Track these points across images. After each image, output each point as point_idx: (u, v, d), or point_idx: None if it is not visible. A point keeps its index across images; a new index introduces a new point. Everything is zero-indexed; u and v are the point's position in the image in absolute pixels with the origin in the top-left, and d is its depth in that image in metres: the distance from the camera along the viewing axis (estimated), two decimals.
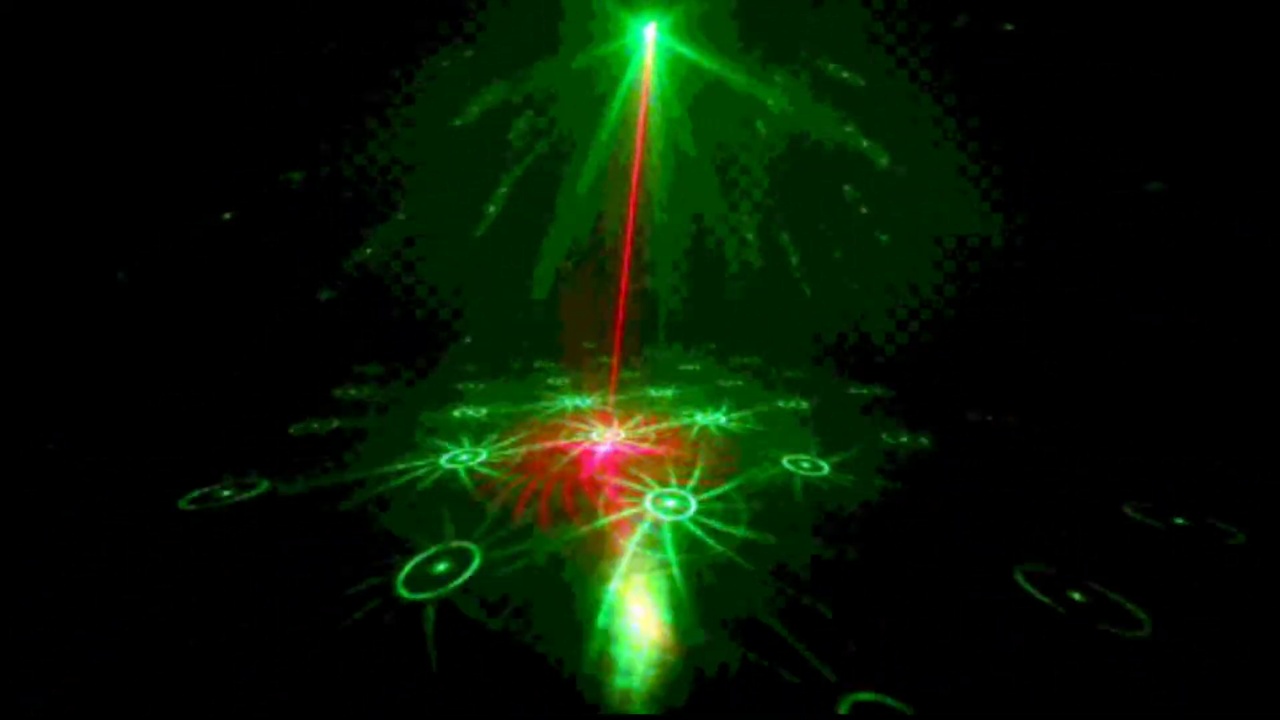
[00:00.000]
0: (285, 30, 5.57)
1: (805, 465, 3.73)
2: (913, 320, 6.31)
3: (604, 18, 6.35)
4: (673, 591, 2.41)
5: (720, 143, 7.37)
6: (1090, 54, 4.87)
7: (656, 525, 2.94)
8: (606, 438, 4.21)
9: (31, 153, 4.70)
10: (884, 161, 6.25)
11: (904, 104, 6.00)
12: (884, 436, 4.28)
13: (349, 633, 2.15)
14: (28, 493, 3.21)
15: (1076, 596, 2.40)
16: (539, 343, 7.31)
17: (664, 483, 3.45)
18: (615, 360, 6.48)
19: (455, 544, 2.75)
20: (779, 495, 3.29)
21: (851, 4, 6.02)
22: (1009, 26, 5.25)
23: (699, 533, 2.87)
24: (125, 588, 2.40)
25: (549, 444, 4.09)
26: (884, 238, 6.51)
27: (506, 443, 4.10)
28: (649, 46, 6.68)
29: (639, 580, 2.49)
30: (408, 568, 2.55)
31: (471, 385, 5.59)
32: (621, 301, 7.25)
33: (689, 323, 7.94)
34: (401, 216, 6.69)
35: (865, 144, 6.36)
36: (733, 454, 3.92)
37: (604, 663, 2.02)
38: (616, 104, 7.01)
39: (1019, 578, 2.52)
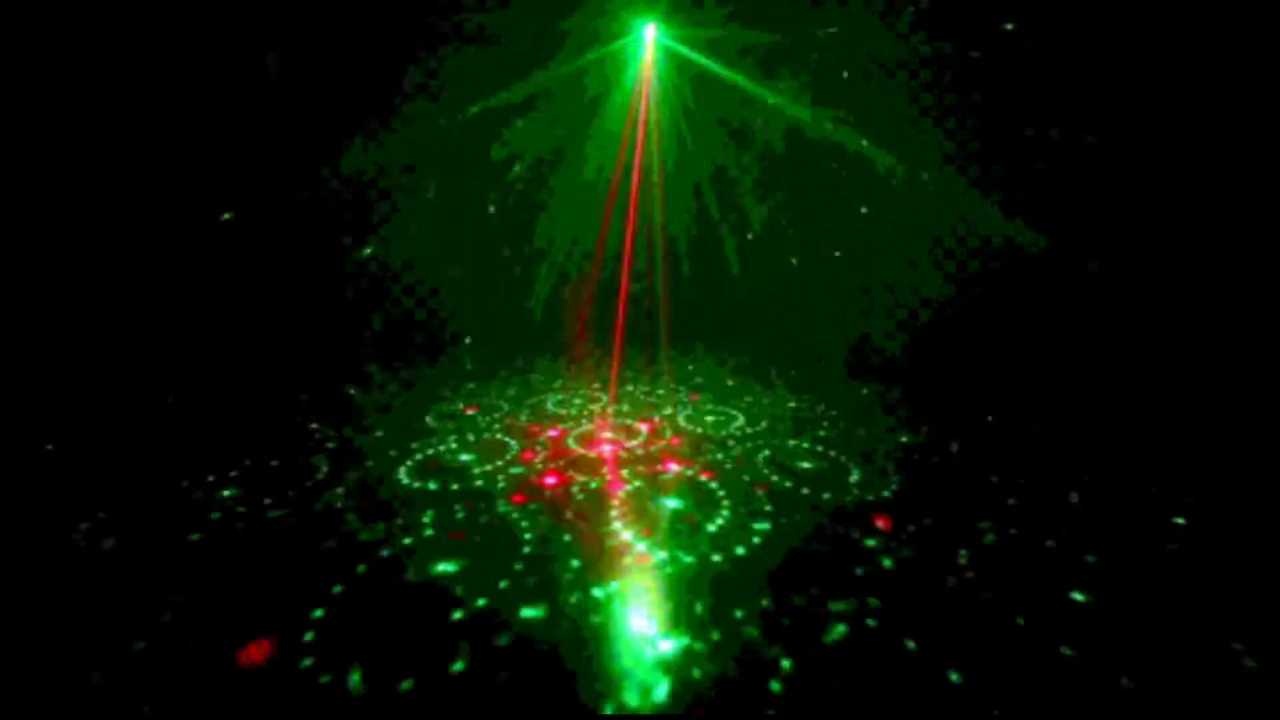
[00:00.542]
0: (285, 30, 5.57)
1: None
2: (913, 320, 6.31)
3: (604, 18, 6.35)
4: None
5: (720, 143, 7.37)
6: (1090, 54, 4.87)
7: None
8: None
9: (32, 153, 4.70)
10: (884, 161, 6.25)
11: (903, 104, 6.00)
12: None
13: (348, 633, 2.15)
14: (28, 493, 3.21)
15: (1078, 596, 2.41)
16: (538, 343, 7.31)
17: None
18: (615, 364, 6.47)
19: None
20: None
21: (852, 4, 6.02)
22: (1009, 26, 5.25)
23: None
24: (124, 588, 2.40)
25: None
26: (883, 238, 6.51)
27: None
28: (649, 46, 6.68)
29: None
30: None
31: (472, 385, 5.60)
32: (622, 303, 7.24)
33: (689, 324, 7.94)
34: (400, 216, 6.69)
35: (865, 144, 6.36)
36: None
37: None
38: (617, 104, 7.01)
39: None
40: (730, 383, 5.84)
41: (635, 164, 7.21)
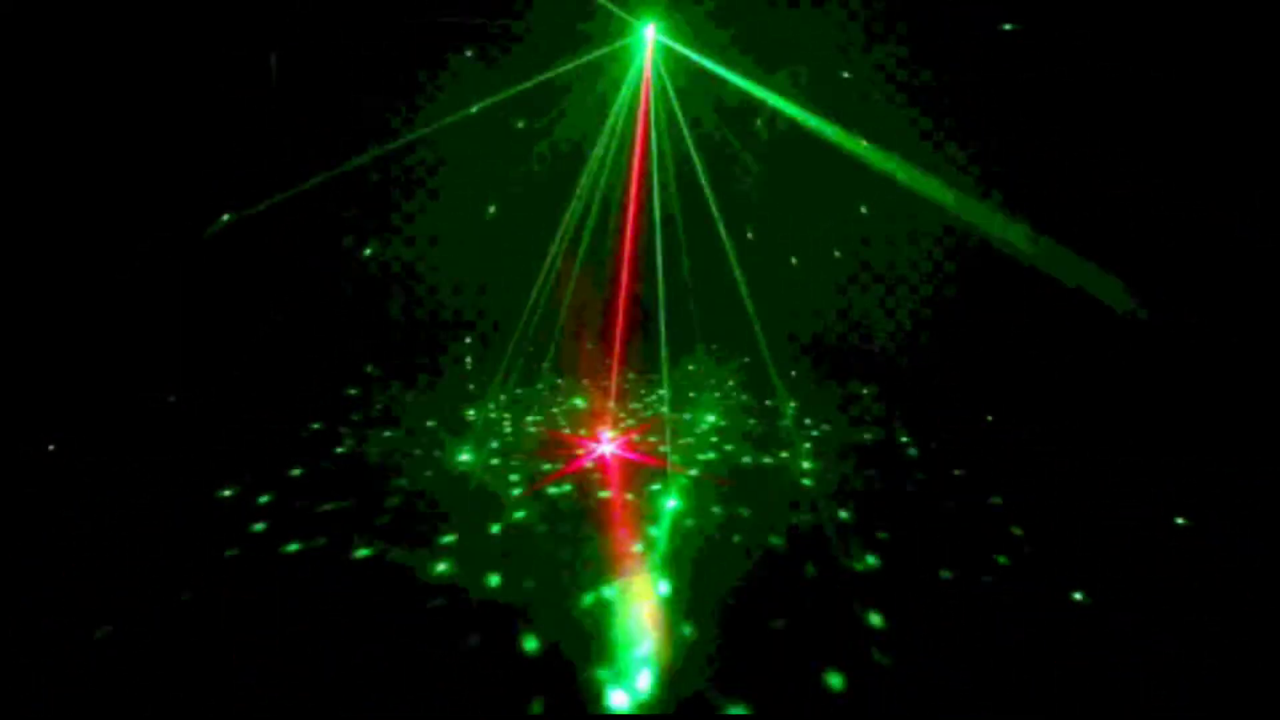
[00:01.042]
0: (285, 29, 5.57)
1: None
2: (911, 320, 6.31)
3: (604, 18, 6.35)
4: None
5: (720, 142, 7.37)
6: (1089, 54, 4.87)
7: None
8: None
9: (32, 153, 4.70)
10: (884, 160, 6.24)
11: (904, 103, 6.00)
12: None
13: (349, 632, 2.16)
14: (28, 493, 3.21)
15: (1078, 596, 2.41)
16: (540, 343, 7.30)
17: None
18: (615, 366, 6.46)
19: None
20: None
21: (853, 3, 6.01)
22: (1009, 26, 5.25)
23: None
24: (124, 587, 2.40)
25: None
26: (883, 237, 6.51)
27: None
28: (649, 46, 6.67)
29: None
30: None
31: (471, 386, 5.60)
32: (622, 304, 7.23)
33: (687, 324, 7.93)
34: (400, 216, 6.68)
35: (864, 144, 6.35)
36: None
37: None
38: (616, 104, 7.01)
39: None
40: (731, 382, 5.86)
41: (635, 164, 7.21)
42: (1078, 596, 2.40)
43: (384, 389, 5.33)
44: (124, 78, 4.95)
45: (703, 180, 7.32)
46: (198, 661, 2.01)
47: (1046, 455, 3.91)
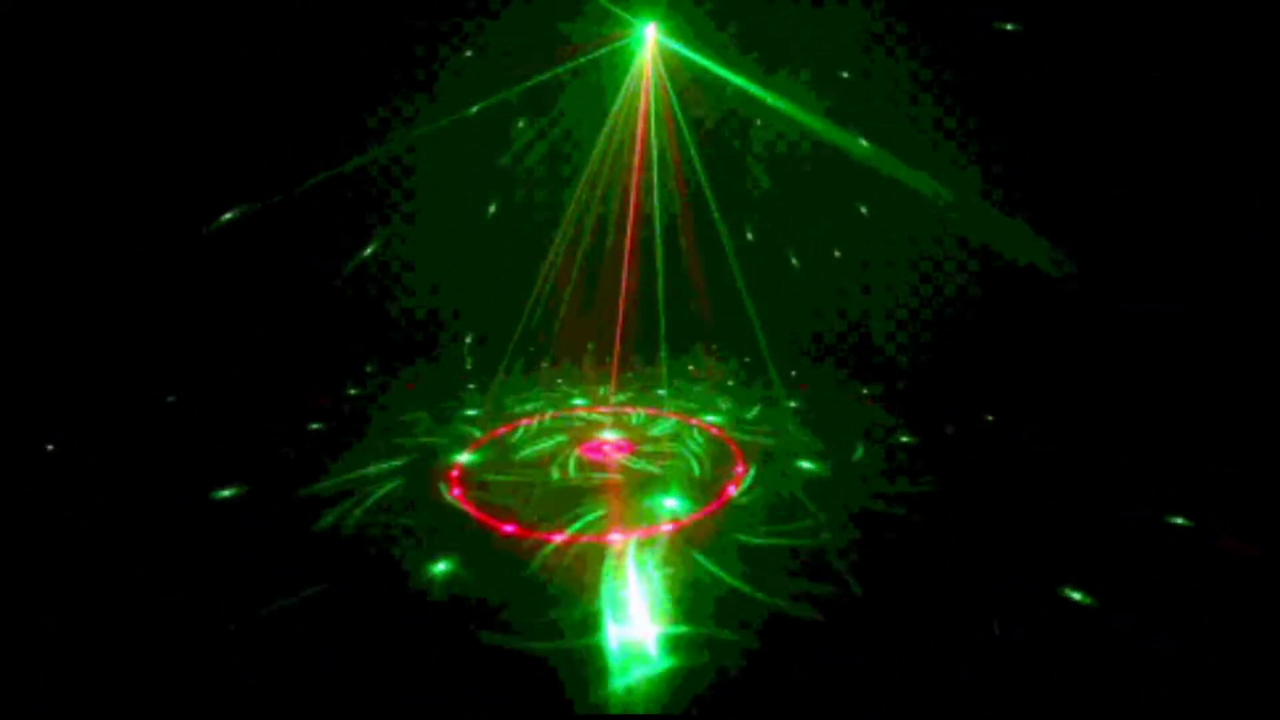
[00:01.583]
0: (285, 29, 5.56)
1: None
2: (913, 320, 6.31)
3: (604, 18, 6.34)
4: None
5: (720, 142, 7.37)
6: (1089, 54, 4.86)
7: None
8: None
9: (32, 153, 4.70)
10: (883, 161, 6.24)
11: (903, 103, 5.99)
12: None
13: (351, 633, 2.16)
14: (28, 493, 3.21)
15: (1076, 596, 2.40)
16: (539, 344, 7.29)
17: None
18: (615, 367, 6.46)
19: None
20: None
21: (853, 3, 6.01)
22: (1008, 26, 5.24)
23: None
24: (124, 586, 2.39)
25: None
26: (884, 237, 6.51)
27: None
28: (649, 46, 6.66)
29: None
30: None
31: (471, 386, 5.61)
32: (622, 304, 7.22)
33: (687, 325, 7.92)
34: (401, 216, 6.68)
35: (864, 144, 6.35)
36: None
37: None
38: (617, 104, 7.00)
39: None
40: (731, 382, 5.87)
41: (635, 164, 7.20)
42: (1077, 596, 2.40)
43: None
44: (124, 78, 4.95)
45: (702, 179, 7.33)
46: (198, 661, 2.01)
47: (1046, 455, 3.90)
